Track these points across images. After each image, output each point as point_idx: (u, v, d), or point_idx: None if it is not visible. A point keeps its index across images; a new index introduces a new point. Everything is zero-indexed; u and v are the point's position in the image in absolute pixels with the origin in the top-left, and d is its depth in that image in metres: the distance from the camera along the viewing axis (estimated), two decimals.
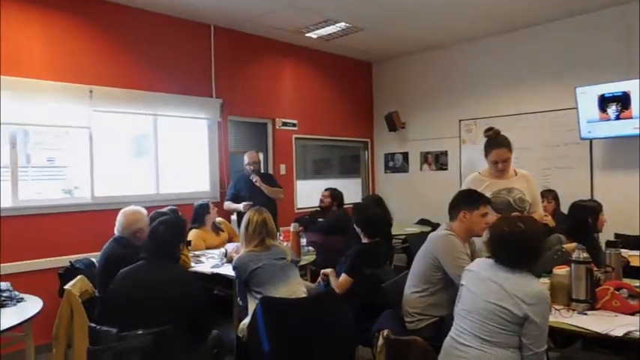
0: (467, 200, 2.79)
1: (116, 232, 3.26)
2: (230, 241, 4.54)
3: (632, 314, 2.26)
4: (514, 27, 5.82)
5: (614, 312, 2.28)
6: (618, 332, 2.04)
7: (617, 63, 5.11)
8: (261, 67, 5.99)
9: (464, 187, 3.17)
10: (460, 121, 6.58)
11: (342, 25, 5.61)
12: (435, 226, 6.42)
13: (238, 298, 3.08)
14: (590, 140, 5.37)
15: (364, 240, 3.42)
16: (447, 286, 2.70)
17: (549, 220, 4.18)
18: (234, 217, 5.30)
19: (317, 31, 5.82)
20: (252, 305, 2.88)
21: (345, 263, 3.30)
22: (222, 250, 3.89)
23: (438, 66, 6.79)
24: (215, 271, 3.56)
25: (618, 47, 5.14)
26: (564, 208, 4.79)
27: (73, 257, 3.88)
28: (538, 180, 5.48)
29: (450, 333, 2.17)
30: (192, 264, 3.74)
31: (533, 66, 5.80)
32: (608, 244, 2.73)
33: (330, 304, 2.69)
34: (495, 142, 3.31)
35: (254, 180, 4.91)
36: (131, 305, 2.34)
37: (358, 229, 3.43)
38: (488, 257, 2.19)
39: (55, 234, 4.19)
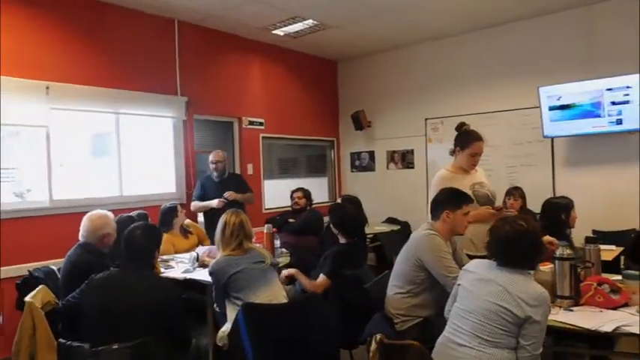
0: (450, 200, 2.77)
1: (81, 237, 3.06)
2: (200, 244, 4.38)
3: (615, 309, 2.30)
4: (480, 26, 5.90)
5: (599, 307, 2.31)
6: (608, 328, 2.06)
7: (579, 63, 5.28)
8: (227, 65, 5.83)
9: (438, 186, 3.14)
10: (426, 119, 6.63)
11: (310, 22, 5.53)
12: (403, 225, 6.50)
13: (215, 305, 2.95)
14: (552, 138, 5.53)
15: (342, 240, 3.36)
16: (431, 286, 2.68)
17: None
18: (201, 218, 5.13)
19: (284, 28, 5.71)
20: (231, 312, 2.76)
21: (323, 264, 3.23)
22: (193, 253, 3.73)
23: (404, 65, 6.82)
24: (187, 276, 3.41)
25: (580, 48, 5.31)
26: (529, 205, 4.95)
27: (32, 265, 3.61)
28: (504, 177, 5.66)
29: (445, 333, 2.13)
30: (162, 269, 3.57)
31: (499, 65, 5.91)
32: (588, 240, 2.78)
33: (314, 308, 2.60)
34: (474, 135, 3.35)
35: (227, 196, 4.73)
36: (105, 317, 2.17)
37: (336, 230, 3.36)
38: (484, 257, 2.18)
39: (10, 241, 3.89)
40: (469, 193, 3.05)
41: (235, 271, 2.79)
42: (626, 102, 4.85)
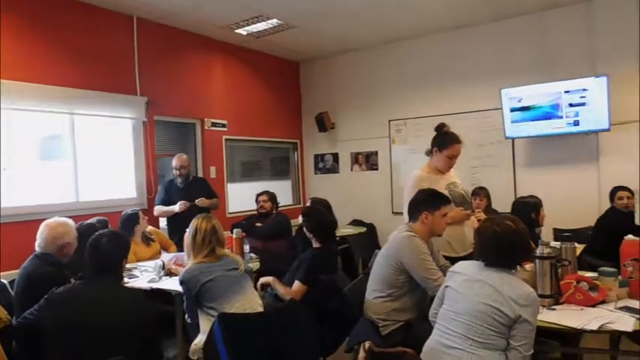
0: (428, 201, 2.75)
1: (38, 247, 2.83)
2: (164, 251, 4.18)
3: (594, 306, 2.33)
4: (443, 28, 5.97)
5: (579, 305, 2.34)
6: (593, 326, 2.08)
7: (539, 66, 5.43)
8: (189, 64, 5.64)
9: (415, 187, 3.11)
10: (390, 121, 6.66)
11: (274, 22, 5.43)
12: (368, 226, 6.50)
13: (186, 316, 2.79)
14: (513, 139, 5.66)
15: (316, 245, 3.27)
16: (411, 289, 2.65)
17: (482, 217, 4.31)
18: (163, 224, 4.92)
19: (247, 27, 5.58)
20: (204, 322, 2.61)
21: (298, 270, 3.13)
22: (158, 262, 3.55)
23: (367, 66, 6.82)
24: (154, 286, 3.23)
25: (539, 51, 5.46)
26: (492, 205, 5.04)
27: None
28: (467, 178, 5.72)
29: (434, 336, 2.10)
30: (126, 279, 3.36)
31: (462, 67, 6.00)
32: (564, 238, 2.83)
33: (293, 316, 2.50)
34: (454, 137, 3.35)
35: (199, 203, 4.56)
36: (69, 335, 1.98)
37: (310, 235, 3.27)
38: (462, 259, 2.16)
39: None
40: (445, 193, 3.04)
41: (208, 279, 2.65)
42: (583, 104, 5.03)
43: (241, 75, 6.42)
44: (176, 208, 4.51)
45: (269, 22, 5.42)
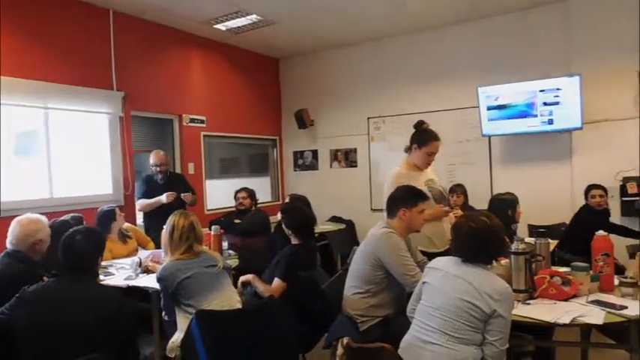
0: (406, 198, 2.77)
1: (9, 244, 2.76)
2: (142, 248, 4.13)
3: (566, 300, 2.39)
4: (422, 27, 6.03)
5: (552, 299, 2.39)
6: (566, 319, 2.13)
7: (515, 65, 5.52)
8: (167, 59, 5.58)
9: (395, 183, 3.13)
10: (369, 118, 6.69)
11: (254, 17, 5.40)
12: (347, 223, 6.52)
13: (163, 313, 2.76)
14: (490, 137, 5.75)
15: (295, 241, 3.27)
16: (389, 285, 2.67)
17: (459, 214, 4.38)
18: (139, 221, 4.86)
19: (227, 23, 5.54)
20: (182, 320, 2.59)
21: (277, 267, 3.13)
22: (135, 259, 3.50)
23: (346, 63, 6.83)
24: (130, 283, 3.19)
25: (517, 50, 5.55)
26: (469, 202, 5.12)
27: None
28: (444, 175, 5.79)
29: (411, 331, 2.12)
30: (102, 277, 3.30)
31: (440, 65, 6.07)
32: (539, 234, 2.89)
33: (273, 313, 2.50)
34: (433, 134, 3.39)
35: (183, 197, 4.52)
36: (43, 335, 1.94)
37: (289, 231, 3.27)
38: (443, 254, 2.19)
39: None
40: (425, 190, 3.08)
41: (186, 276, 2.62)
42: (557, 103, 5.13)
43: (220, 71, 6.37)
44: (163, 198, 4.45)
45: (248, 17, 5.39)
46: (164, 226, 2.82)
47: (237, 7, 5.07)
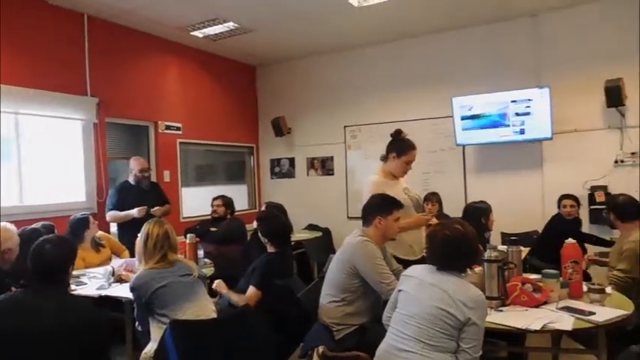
0: (381, 206, 2.80)
1: None
2: (116, 256, 4.06)
3: (537, 306, 2.43)
4: (399, 36, 6.12)
5: (524, 306, 2.43)
6: (537, 326, 2.17)
7: (489, 75, 5.65)
8: (143, 66, 5.53)
9: (373, 192, 3.14)
10: (345, 126, 6.74)
11: (231, 25, 5.40)
12: (324, 231, 6.53)
13: (137, 323, 2.72)
14: (464, 146, 5.85)
15: (271, 249, 3.26)
16: (365, 293, 2.68)
17: (435, 222, 4.44)
18: (114, 229, 4.78)
19: (204, 30, 5.52)
20: (155, 330, 2.55)
21: (252, 275, 3.11)
22: (108, 268, 3.44)
23: (323, 72, 6.88)
24: (103, 293, 3.13)
25: (490, 61, 5.68)
26: (444, 210, 5.19)
27: None
28: (419, 183, 5.86)
29: (387, 339, 2.12)
30: (73, 286, 3.24)
31: (416, 75, 6.16)
32: (511, 242, 2.95)
33: (248, 322, 2.49)
34: (411, 143, 3.43)
35: (153, 212, 4.44)
36: (12, 346, 1.88)
37: (265, 239, 3.26)
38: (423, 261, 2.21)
39: None
40: (404, 197, 3.12)
41: (160, 285, 2.59)
42: (528, 113, 5.27)
43: (197, 78, 6.35)
44: (134, 212, 4.39)
45: (225, 25, 5.39)
46: (138, 235, 2.79)
47: (214, 14, 5.07)
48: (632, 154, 4.95)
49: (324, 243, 6.33)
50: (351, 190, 6.62)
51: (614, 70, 4.90)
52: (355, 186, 6.51)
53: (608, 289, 2.71)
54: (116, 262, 3.64)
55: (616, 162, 5.02)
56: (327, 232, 6.57)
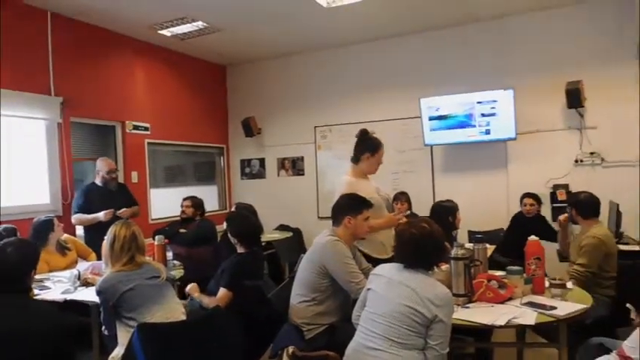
0: (351, 206, 2.82)
1: None
2: (83, 259, 3.97)
3: (502, 302, 2.50)
4: (368, 38, 6.17)
5: (489, 302, 2.49)
6: (502, 321, 2.23)
7: (455, 77, 5.76)
8: (109, 64, 5.42)
9: (344, 191, 3.17)
10: (316, 127, 6.76)
11: (200, 24, 5.35)
12: (295, 231, 6.53)
13: (103, 328, 2.67)
14: (432, 146, 5.95)
15: (240, 250, 3.25)
16: (335, 292, 2.70)
17: (405, 221, 4.50)
18: (80, 232, 4.66)
19: (172, 29, 5.45)
20: (123, 334, 2.51)
21: (222, 276, 3.10)
22: (74, 271, 3.36)
23: (294, 72, 6.88)
24: (68, 297, 3.06)
25: (457, 63, 5.80)
26: (413, 209, 5.26)
27: None
28: (389, 183, 5.94)
29: (356, 338, 2.14)
30: (36, 291, 3.15)
31: (385, 76, 6.23)
32: (476, 240, 3.02)
33: (218, 324, 2.47)
34: (379, 140, 3.45)
35: (120, 214, 4.34)
36: None
37: (235, 240, 3.24)
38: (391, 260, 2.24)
39: None
40: (376, 197, 3.15)
41: (127, 288, 2.54)
42: (493, 114, 5.40)
43: (166, 77, 6.26)
44: (101, 215, 4.29)
45: (194, 24, 5.33)
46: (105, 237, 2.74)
47: (182, 13, 5.01)
48: (591, 153, 5.14)
49: (295, 243, 6.33)
50: (322, 190, 6.65)
51: (575, 73, 5.08)
52: (326, 186, 6.53)
53: (569, 284, 2.82)
54: (82, 266, 3.55)
55: (576, 161, 5.21)
56: (297, 233, 6.58)
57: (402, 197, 5.23)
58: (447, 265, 2.61)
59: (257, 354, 2.86)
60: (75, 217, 4.46)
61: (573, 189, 5.04)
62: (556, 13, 5.25)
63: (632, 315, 2.12)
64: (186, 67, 6.58)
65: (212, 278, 3.22)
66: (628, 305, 2.84)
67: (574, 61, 5.17)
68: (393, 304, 2.05)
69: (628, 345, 1.50)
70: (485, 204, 5.57)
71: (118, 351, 2.49)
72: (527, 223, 4.63)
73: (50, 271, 3.69)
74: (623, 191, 4.73)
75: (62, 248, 3.95)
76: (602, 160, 5.12)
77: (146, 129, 5.89)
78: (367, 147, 3.45)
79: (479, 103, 5.44)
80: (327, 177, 6.62)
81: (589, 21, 5.12)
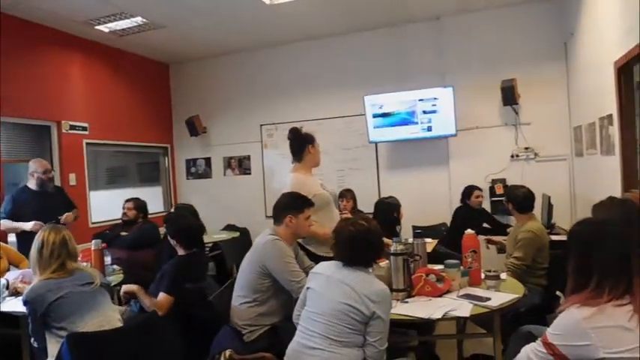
0: (292, 204, 2.81)
1: None
2: (15, 267, 3.76)
3: (440, 296, 2.56)
4: (312, 36, 6.20)
5: (427, 296, 2.55)
6: (438, 314, 2.29)
7: (398, 75, 5.88)
8: (43, 61, 5.16)
9: (294, 189, 3.11)
10: (261, 125, 6.72)
11: (139, 20, 5.20)
12: (242, 231, 6.46)
13: (32, 339, 2.53)
14: (376, 144, 6.04)
15: (181, 252, 3.17)
16: (276, 292, 2.68)
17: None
18: (12, 238, 4.41)
19: (109, 25, 5.26)
20: (53, 346, 2.38)
21: (162, 280, 3.01)
22: (2, 280, 3.18)
23: (239, 70, 6.81)
24: None
25: (398, 62, 5.91)
26: (358, 206, 5.32)
27: None
28: (334, 180, 5.99)
29: (296, 338, 2.13)
30: None
31: (329, 74, 6.28)
32: (416, 235, 3.07)
33: (155, 330, 2.40)
34: (309, 133, 3.44)
35: (62, 220, 4.14)
36: None
37: (173, 241, 3.16)
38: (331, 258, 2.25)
39: None
40: (324, 192, 3.16)
41: (57, 296, 2.42)
42: (434, 111, 5.54)
43: (105, 75, 6.03)
44: (28, 225, 4.06)
45: (133, 20, 5.17)
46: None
47: (118, 8, 4.84)
48: (526, 148, 5.38)
49: (243, 243, 6.23)
50: (269, 189, 6.61)
51: (509, 72, 5.29)
52: (273, 185, 6.50)
53: (503, 275, 2.92)
54: (12, 274, 3.36)
55: (512, 156, 5.44)
56: (245, 233, 6.49)
57: (348, 194, 5.26)
58: (387, 261, 2.65)
59: (198, 359, 2.81)
60: (1, 224, 4.21)
61: (509, 183, 5.24)
62: (490, 13, 5.45)
63: (562, 302, 2.23)
64: (127, 65, 6.36)
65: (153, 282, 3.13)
66: (558, 293, 3.01)
67: (508, 60, 5.39)
68: (332, 303, 2.05)
69: (550, 332, 1.57)
70: (428, 199, 5.71)
71: None
72: (477, 216, 4.75)
73: None
74: (554, 184, 4.98)
75: None
76: (536, 154, 5.37)
77: (84, 129, 5.65)
78: (306, 140, 3.43)
79: (420, 100, 5.57)
80: (275, 176, 6.60)
81: (521, 22, 5.34)
